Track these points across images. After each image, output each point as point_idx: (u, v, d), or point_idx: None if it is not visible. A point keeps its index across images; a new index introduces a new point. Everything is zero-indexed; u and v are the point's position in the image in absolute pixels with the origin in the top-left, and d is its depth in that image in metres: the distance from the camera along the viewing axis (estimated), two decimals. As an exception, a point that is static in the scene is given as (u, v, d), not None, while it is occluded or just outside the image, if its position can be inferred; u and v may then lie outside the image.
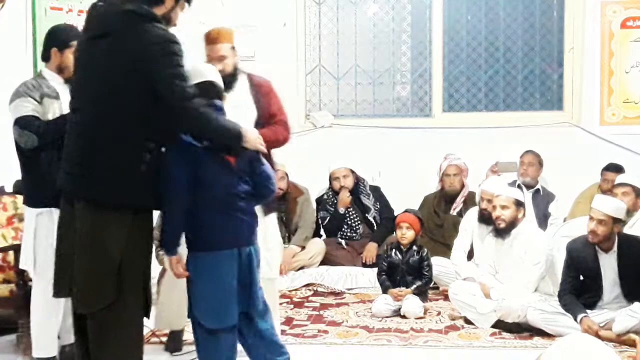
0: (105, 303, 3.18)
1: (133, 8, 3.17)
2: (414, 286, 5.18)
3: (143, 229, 3.30)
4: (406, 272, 5.26)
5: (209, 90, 3.43)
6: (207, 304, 3.44)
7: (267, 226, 4.21)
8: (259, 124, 4.11)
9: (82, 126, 3.25)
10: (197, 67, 3.53)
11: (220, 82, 3.59)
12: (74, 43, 3.92)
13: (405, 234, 5.29)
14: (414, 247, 5.30)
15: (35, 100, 3.85)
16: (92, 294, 3.20)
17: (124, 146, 3.19)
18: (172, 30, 3.31)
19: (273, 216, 4.32)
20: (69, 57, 3.93)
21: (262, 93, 4.31)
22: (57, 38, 4.00)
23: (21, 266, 4.04)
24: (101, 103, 3.20)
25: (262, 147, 3.59)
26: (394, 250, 5.33)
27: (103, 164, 3.19)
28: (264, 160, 3.65)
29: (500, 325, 4.74)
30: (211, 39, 4.19)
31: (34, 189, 3.92)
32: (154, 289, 5.02)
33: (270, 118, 4.26)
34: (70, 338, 4.12)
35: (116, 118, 3.18)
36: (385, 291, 5.24)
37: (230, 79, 4.15)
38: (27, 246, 3.96)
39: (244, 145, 3.46)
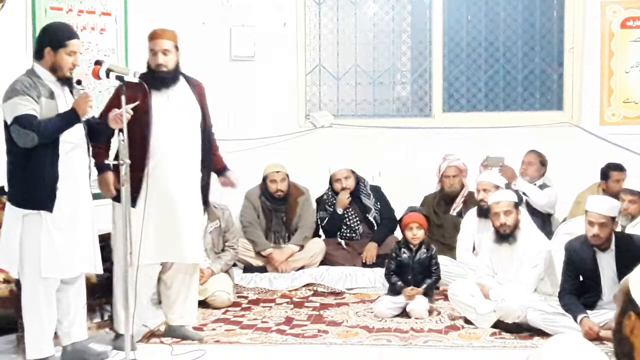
0: None
1: None
2: (425, 285, 5.18)
3: None
4: (417, 271, 5.25)
5: None
6: None
7: (192, 212, 4.47)
8: (203, 124, 4.51)
9: None
10: None
11: None
12: (70, 43, 3.92)
13: (417, 234, 5.27)
14: (423, 246, 5.30)
15: (33, 99, 3.83)
16: None
17: None
18: None
19: (199, 203, 4.55)
20: (63, 57, 3.92)
21: (202, 94, 4.59)
22: (51, 37, 3.97)
23: (1, 266, 4.03)
24: None
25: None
26: (402, 249, 5.31)
27: None
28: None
29: (500, 326, 4.74)
30: (156, 35, 4.43)
31: (26, 190, 3.89)
32: (153, 290, 5.06)
33: (209, 119, 4.59)
34: (71, 338, 4.14)
35: None
36: (398, 292, 5.19)
37: (172, 75, 4.42)
38: (9, 246, 3.91)
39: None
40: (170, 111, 4.36)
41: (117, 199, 4.28)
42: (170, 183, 4.36)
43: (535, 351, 1.93)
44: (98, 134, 4.14)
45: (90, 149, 4.13)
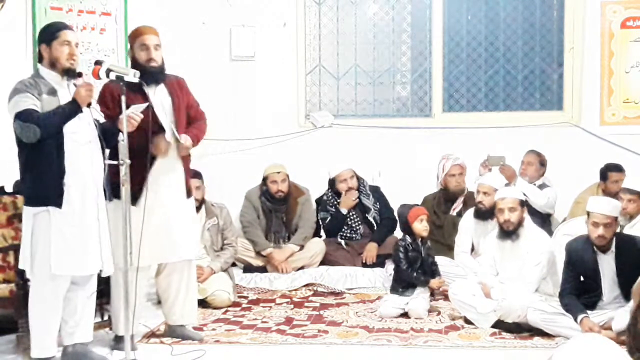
0: None
1: None
2: (438, 277, 5.29)
3: None
4: (427, 264, 5.29)
5: None
6: None
7: (186, 208, 4.47)
8: (178, 119, 4.40)
9: None
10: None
11: None
12: (60, 33, 3.96)
13: (427, 226, 5.32)
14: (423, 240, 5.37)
15: (34, 96, 3.86)
16: None
17: None
18: None
19: (191, 199, 4.56)
20: (57, 48, 3.95)
21: (181, 88, 4.51)
22: (42, 35, 4.04)
23: (20, 266, 4.05)
24: None
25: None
26: (411, 245, 5.30)
27: None
28: None
29: (500, 325, 4.74)
30: (145, 31, 4.39)
31: (34, 187, 3.91)
32: (153, 290, 5.06)
33: (196, 111, 4.56)
34: (73, 339, 4.13)
35: None
36: (425, 284, 5.21)
37: (161, 70, 4.39)
38: (25, 246, 3.96)
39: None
40: (156, 108, 4.31)
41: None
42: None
43: (558, 351, 1.91)
44: (113, 137, 4.11)
45: (106, 149, 4.12)
